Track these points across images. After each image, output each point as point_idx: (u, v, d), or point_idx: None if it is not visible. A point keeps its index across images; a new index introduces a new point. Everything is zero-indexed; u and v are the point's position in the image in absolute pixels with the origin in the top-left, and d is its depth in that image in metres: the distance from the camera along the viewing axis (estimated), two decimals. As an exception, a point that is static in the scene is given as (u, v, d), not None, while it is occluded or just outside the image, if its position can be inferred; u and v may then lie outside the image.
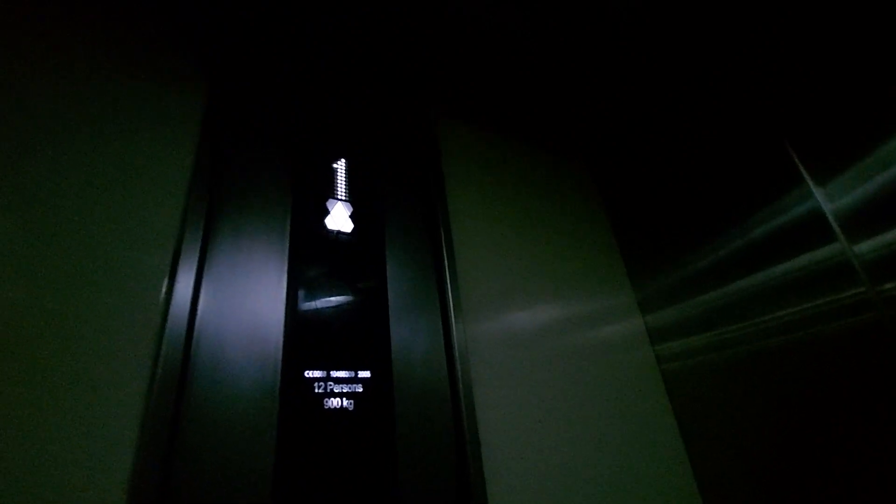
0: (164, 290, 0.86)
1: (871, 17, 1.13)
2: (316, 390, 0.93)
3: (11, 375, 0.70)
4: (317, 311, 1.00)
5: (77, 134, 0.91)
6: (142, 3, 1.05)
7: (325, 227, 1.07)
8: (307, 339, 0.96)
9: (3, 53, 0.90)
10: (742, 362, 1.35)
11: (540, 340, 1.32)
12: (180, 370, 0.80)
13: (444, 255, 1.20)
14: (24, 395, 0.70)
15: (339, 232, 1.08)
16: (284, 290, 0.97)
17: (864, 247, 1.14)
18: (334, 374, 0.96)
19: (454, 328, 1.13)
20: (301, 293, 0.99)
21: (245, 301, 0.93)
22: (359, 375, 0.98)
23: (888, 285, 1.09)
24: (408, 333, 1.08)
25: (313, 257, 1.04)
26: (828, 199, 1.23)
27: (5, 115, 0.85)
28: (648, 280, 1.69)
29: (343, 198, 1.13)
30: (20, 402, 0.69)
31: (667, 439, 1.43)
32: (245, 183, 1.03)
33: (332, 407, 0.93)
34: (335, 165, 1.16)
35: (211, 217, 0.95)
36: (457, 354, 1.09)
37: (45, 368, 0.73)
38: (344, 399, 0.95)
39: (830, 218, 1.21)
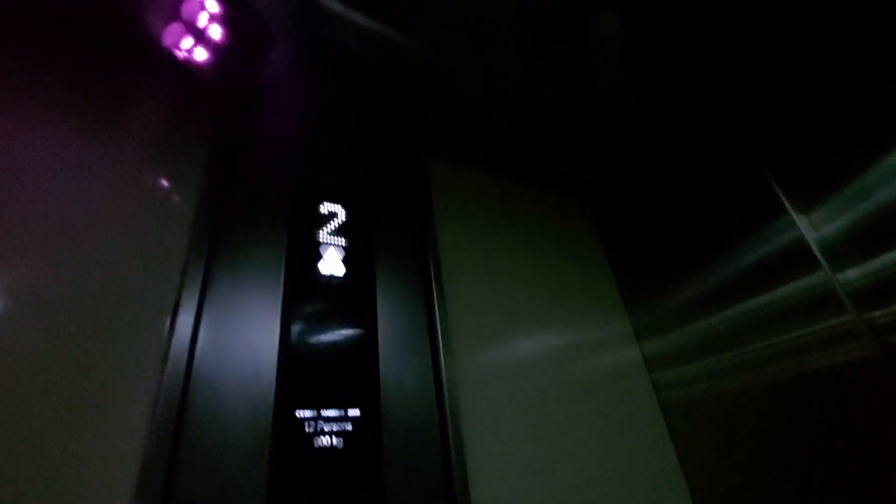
0: (167, 327, 0.94)
1: (850, 46, 1.16)
2: (306, 429, 0.97)
3: (26, 399, 0.78)
4: (309, 351, 1.05)
5: (98, 179, 1.02)
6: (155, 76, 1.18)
7: (318, 271, 1.15)
8: (299, 379, 1.01)
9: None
10: (736, 392, 1.34)
11: (533, 373, 1.34)
12: (178, 410, 0.86)
13: (434, 291, 1.25)
14: (35, 420, 0.77)
15: (331, 276, 1.15)
16: (278, 332, 1.03)
17: (850, 275, 1.15)
18: (325, 412, 1.00)
19: (443, 364, 1.16)
20: (294, 334, 1.05)
21: (241, 342, 1.00)
22: (348, 414, 1.02)
23: (875, 313, 1.09)
24: (397, 371, 1.13)
25: (306, 300, 1.10)
26: (811, 228, 1.24)
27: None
28: (644, 308, 1.71)
29: (336, 242, 1.21)
30: (32, 426, 0.76)
31: (666, 471, 1.41)
32: (243, 229, 1.11)
33: (322, 445, 0.97)
34: (328, 210, 1.24)
35: (211, 261, 1.03)
36: (446, 390, 1.13)
37: (56, 395, 0.80)
38: (333, 437, 0.99)
39: (814, 247, 1.22)
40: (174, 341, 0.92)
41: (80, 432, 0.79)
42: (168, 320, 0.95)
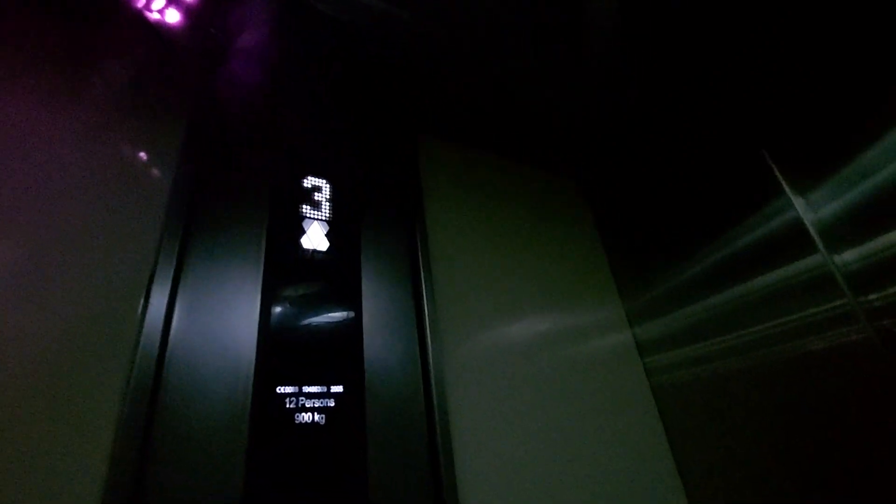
0: (140, 306, 0.91)
1: (848, 25, 1.12)
2: (287, 405, 0.96)
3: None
4: (290, 327, 1.03)
5: (65, 149, 0.97)
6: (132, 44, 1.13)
7: (300, 246, 1.12)
8: (280, 355, 1.00)
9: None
10: (729, 375, 1.33)
11: (523, 356, 1.32)
12: (152, 386, 0.84)
13: (422, 270, 1.23)
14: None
15: (314, 251, 1.12)
16: (258, 308, 1.01)
17: (846, 257, 1.13)
18: (306, 389, 0.99)
19: (430, 341, 1.14)
20: (275, 310, 1.03)
21: (219, 318, 0.97)
22: (331, 390, 1.01)
23: (871, 296, 1.07)
24: (382, 347, 1.11)
25: (288, 275, 1.08)
26: (808, 210, 1.22)
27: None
28: (637, 292, 1.68)
29: (319, 217, 1.17)
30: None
31: (657, 455, 1.41)
32: (222, 202, 1.08)
33: (303, 421, 0.96)
34: (312, 184, 1.20)
35: (187, 234, 1.00)
36: (432, 367, 1.11)
37: (22, 382, 0.77)
38: (315, 413, 0.97)
39: (811, 229, 1.20)
40: (148, 318, 0.89)
41: (47, 415, 0.77)
42: (141, 297, 0.92)
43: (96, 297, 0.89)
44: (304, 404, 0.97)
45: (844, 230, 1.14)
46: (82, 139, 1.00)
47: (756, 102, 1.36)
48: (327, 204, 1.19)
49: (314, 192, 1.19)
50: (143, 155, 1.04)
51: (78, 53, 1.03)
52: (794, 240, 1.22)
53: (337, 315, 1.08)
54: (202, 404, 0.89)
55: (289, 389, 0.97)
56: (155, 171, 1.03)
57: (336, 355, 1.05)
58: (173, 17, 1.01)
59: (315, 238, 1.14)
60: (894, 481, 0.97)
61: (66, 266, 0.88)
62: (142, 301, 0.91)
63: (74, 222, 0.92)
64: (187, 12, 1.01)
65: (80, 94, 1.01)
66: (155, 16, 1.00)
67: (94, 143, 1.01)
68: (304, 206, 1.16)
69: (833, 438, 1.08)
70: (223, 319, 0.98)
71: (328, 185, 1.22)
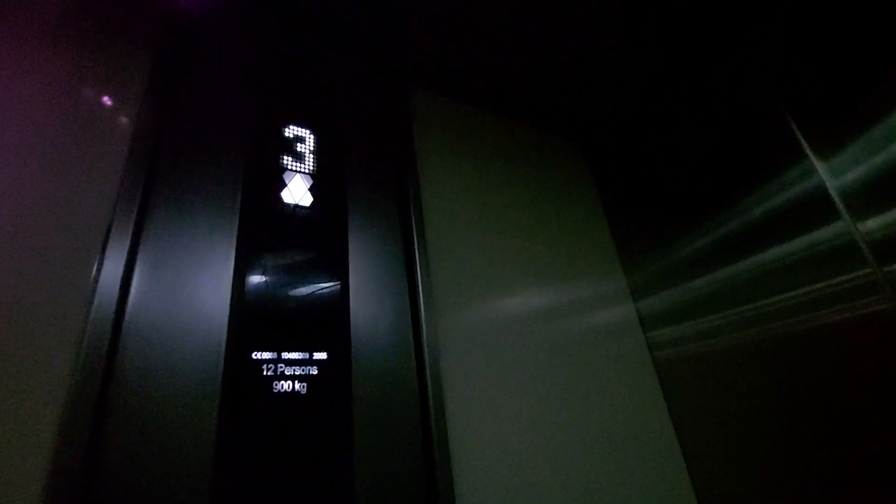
0: (94, 265, 0.79)
1: None
2: (265, 373, 0.86)
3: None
4: (269, 288, 0.93)
5: (7, 83, 0.84)
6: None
7: (280, 200, 1.00)
8: (256, 318, 0.89)
9: None
10: (739, 349, 1.27)
11: (521, 327, 1.24)
12: (106, 357, 0.73)
13: (415, 233, 1.12)
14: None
15: (296, 206, 1.01)
16: (232, 268, 0.90)
17: (871, 224, 1.06)
18: (286, 355, 0.89)
19: (422, 306, 1.05)
20: (252, 269, 0.92)
21: (186, 277, 0.86)
22: (314, 357, 0.91)
23: (896, 266, 1.00)
24: (371, 313, 1.01)
25: (266, 230, 0.96)
26: (831, 175, 1.15)
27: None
28: (642, 264, 1.61)
29: (302, 170, 1.06)
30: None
31: (659, 431, 1.35)
32: (191, 147, 0.96)
33: (282, 390, 0.86)
34: (294, 134, 1.08)
35: (151, 182, 0.88)
36: (424, 333, 1.02)
37: None
38: (296, 382, 0.88)
39: (834, 195, 1.13)
40: (102, 277, 0.77)
41: None
42: (97, 254, 0.80)
43: (44, 254, 0.77)
44: (283, 371, 0.87)
45: (869, 196, 1.07)
46: (31, 72, 0.87)
47: (779, 60, 1.26)
48: (311, 156, 1.08)
49: (297, 142, 1.07)
50: (101, 93, 0.91)
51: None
52: (816, 206, 1.16)
53: (321, 275, 0.98)
54: (166, 375, 0.78)
55: (266, 355, 0.87)
56: (115, 111, 0.90)
57: (319, 319, 0.94)
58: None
59: (297, 192, 1.02)
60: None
61: (7, 219, 0.76)
62: (97, 258, 0.80)
63: (18, 167, 0.80)
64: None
65: (26, 19, 0.88)
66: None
67: (44, 78, 0.88)
68: (285, 157, 1.04)
69: (853, 412, 1.02)
70: (191, 279, 0.87)
71: (312, 136, 1.10)
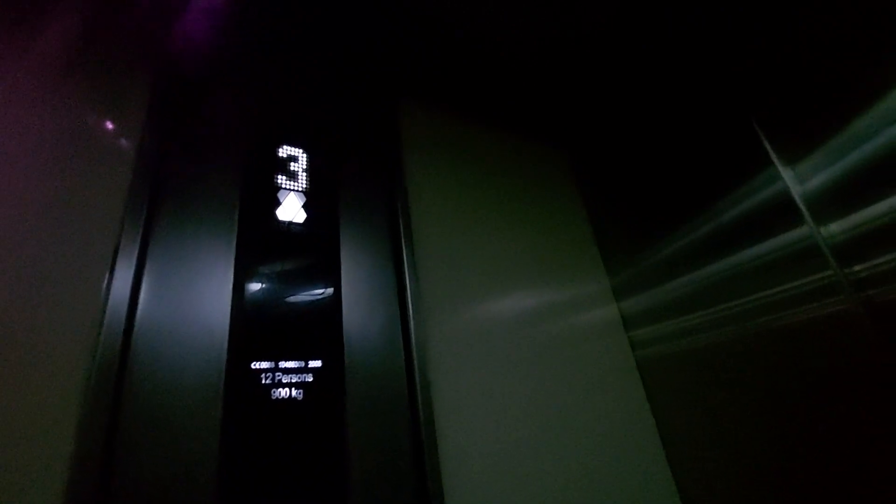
0: (104, 281, 0.86)
1: None
2: (263, 381, 0.92)
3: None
4: (266, 301, 0.99)
5: (15, 108, 0.90)
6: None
7: (276, 218, 1.07)
8: (255, 329, 0.96)
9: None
10: (716, 347, 1.33)
11: (508, 330, 1.30)
12: (118, 364, 0.79)
13: (403, 242, 1.19)
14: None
15: (290, 223, 1.08)
16: (231, 280, 0.97)
17: (833, 228, 1.12)
18: (283, 364, 0.95)
19: (412, 317, 1.11)
20: (249, 283, 0.99)
21: (189, 291, 0.93)
22: (309, 365, 0.97)
23: (856, 268, 1.07)
24: (362, 322, 1.07)
25: (263, 247, 1.03)
26: (796, 181, 1.21)
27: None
28: (623, 265, 1.67)
29: (296, 188, 1.12)
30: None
31: (642, 428, 1.41)
32: (192, 172, 1.02)
33: (280, 397, 0.92)
34: (287, 154, 1.15)
35: (154, 204, 0.95)
36: (414, 341, 1.08)
37: None
38: (293, 389, 0.94)
39: (798, 200, 1.19)
40: (112, 292, 0.84)
41: (3, 402, 0.72)
42: (106, 270, 0.86)
43: (56, 271, 0.83)
44: (280, 380, 0.94)
45: (831, 201, 1.13)
46: (38, 101, 0.93)
47: (745, 67, 1.32)
48: (304, 174, 1.14)
49: (290, 161, 1.14)
50: (105, 118, 0.97)
51: (32, 12, 0.95)
52: (781, 211, 1.21)
53: (315, 288, 1.04)
54: (173, 383, 0.85)
55: (264, 365, 0.94)
56: (118, 136, 0.96)
57: (314, 329, 1.01)
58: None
59: (291, 209, 1.08)
60: (876, 450, 0.98)
61: (21, 240, 0.82)
62: (106, 275, 0.86)
63: (30, 192, 0.86)
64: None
65: (31, 50, 0.93)
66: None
67: (51, 105, 0.93)
68: (279, 177, 1.11)
69: (817, 407, 1.09)
70: (194, 293, 0.93)
71: (305, 155, 1.16)
